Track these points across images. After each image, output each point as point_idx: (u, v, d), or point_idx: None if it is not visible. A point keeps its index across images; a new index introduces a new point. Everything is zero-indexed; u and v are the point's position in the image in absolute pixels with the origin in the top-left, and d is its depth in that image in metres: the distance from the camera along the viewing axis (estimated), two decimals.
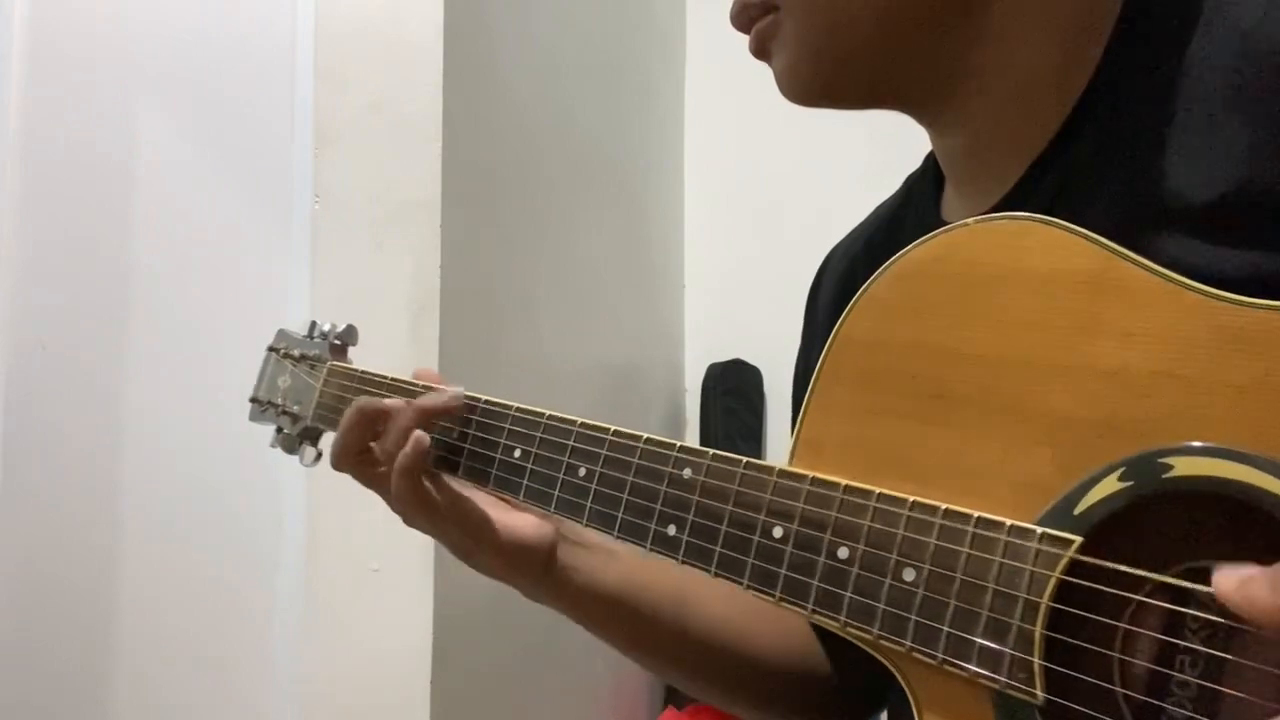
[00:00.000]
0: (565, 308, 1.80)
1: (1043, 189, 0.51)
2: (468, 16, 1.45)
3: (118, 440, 1.50)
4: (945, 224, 0.58)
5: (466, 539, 0.65)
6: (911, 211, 0.65)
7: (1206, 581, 0.36)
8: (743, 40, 0.57)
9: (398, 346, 1.36)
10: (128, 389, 1.51)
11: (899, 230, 0.65)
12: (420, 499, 0.64)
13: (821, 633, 0.70)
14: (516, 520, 0.66)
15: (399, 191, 1.41)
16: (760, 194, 2.28)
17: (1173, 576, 0.38)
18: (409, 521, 0.67)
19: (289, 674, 1.45)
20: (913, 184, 0.68)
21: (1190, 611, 0.36)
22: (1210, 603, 0.36)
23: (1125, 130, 0.48)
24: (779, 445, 2.22)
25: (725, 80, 2.19)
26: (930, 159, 0.64)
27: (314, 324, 0.79)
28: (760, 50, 0.56)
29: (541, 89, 1.73)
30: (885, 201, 0.71)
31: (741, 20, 0.56)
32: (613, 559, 0.68)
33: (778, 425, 2.22)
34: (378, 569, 1.37)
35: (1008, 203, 0.53)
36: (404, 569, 1.33)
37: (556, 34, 1.80)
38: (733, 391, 2.20)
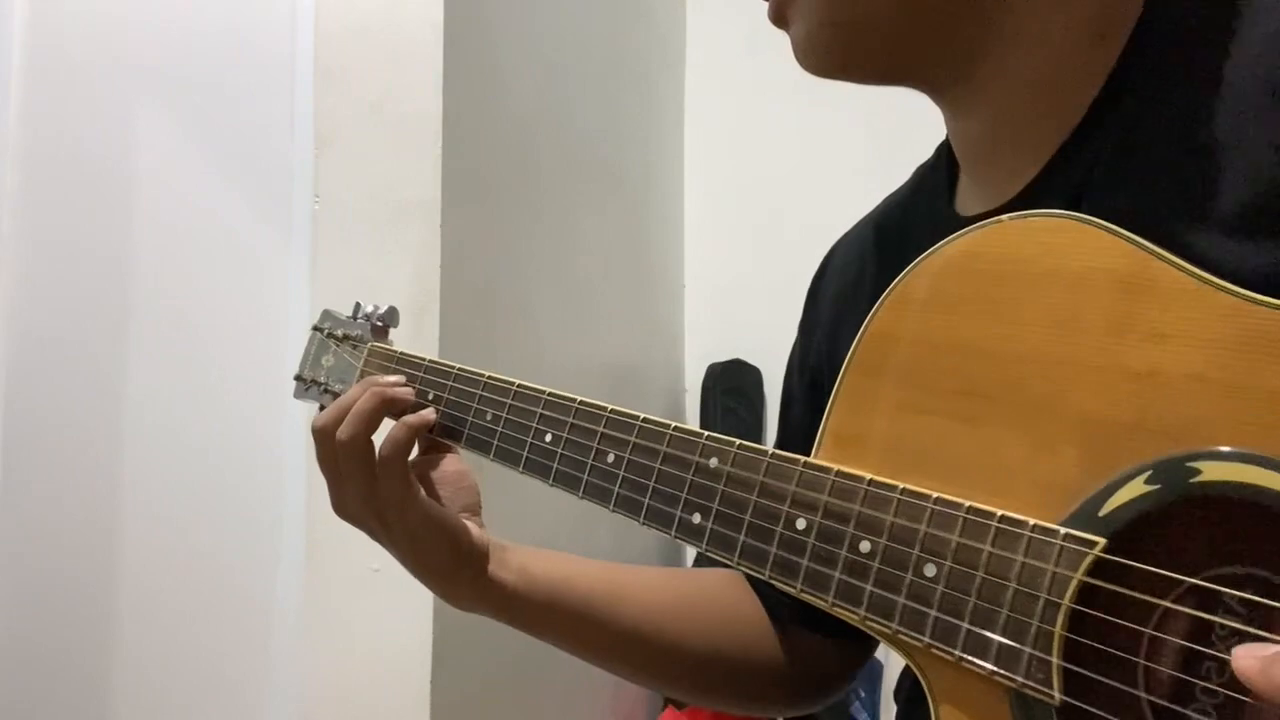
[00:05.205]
0: (565, 308, 1.80)
1: (1065, 182, 0.50)
2: (468, 16, 1.45)
3: (118, 440, 1.50)
4: (958, 215, 0.57)
5: (431, 519, 0.67)
6: (923, 200, 0.64)
7: (1234, 588, 0.36)
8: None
9: (398, 346, 1.35)
10: (128, 389, 1.51)
11: (909, 221, 0.64)
12: (402, 462, 0.66)
13: (780, 625, 0.71)
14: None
15: (399, 191, 1.41)
16: (760, 194, 2.28)
17: (1200, 582, 0.37)
18: (347, 505, 0.69)
19: (289, 674, 1.45)
20: (924, 174, 0.66)
21: (1218, 620, 0.36)
22: (1238, 608, 0.36)
23: (1150, 123, 0.47)
24: None
25: (725, 80, 2.20)
26: (943, 148, 0.63)
27: (358, 305, 0.80)
28: (779, 17, 0.55)
29: (541, 89, 1.73)
30: (894, 192, 0.70)
31: None
32: (541, 554, 0.70)
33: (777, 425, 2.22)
34: (378, 569, 1.36)
35: (1028, 194, 0.52)
36: (404, 569, 1.33)
37: (556, 34, 1.79)
38: (732, 391, 2.20)
